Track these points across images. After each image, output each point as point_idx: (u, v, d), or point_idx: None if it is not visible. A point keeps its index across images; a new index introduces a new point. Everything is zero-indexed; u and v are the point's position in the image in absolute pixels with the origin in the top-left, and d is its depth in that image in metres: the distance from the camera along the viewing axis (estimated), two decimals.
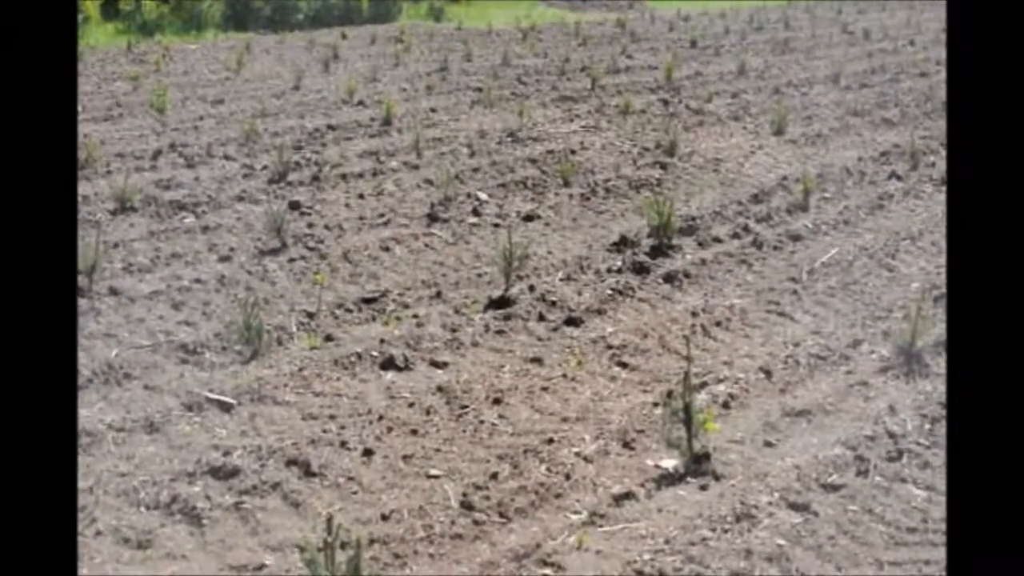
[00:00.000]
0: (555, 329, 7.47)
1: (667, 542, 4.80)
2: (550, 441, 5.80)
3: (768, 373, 6.64)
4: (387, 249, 9.30)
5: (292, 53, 23.70)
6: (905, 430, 5.75)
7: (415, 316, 7.68)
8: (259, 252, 9.14)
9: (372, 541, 4.77)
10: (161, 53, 22.86)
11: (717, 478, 5.39)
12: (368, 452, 5.66)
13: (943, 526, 4.79)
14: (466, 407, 6.25)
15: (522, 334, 7.41)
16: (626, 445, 5.79)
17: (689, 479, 5.39)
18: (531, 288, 8.20)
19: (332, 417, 6.10)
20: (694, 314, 7.75)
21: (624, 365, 6.89)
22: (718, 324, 7.57)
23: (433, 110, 16.09)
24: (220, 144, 13.46)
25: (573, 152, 13.19)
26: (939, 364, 6.64)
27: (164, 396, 6.33)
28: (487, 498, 5.20)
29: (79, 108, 16.08)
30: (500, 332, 7.41)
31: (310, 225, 9.96)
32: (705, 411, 5.64)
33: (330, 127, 14.67)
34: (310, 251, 9.17)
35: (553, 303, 7.90)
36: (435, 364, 6.88)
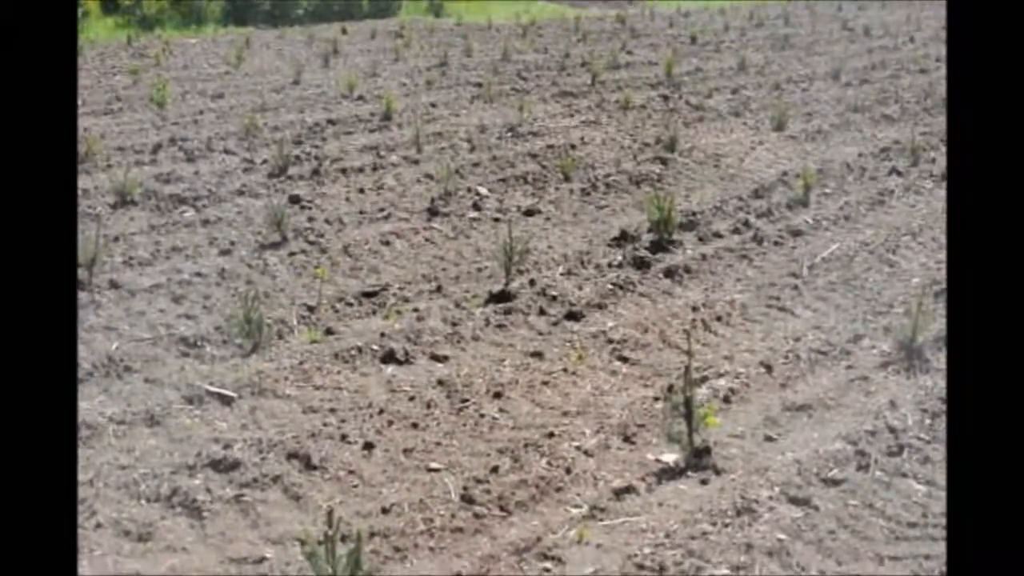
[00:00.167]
0: (556, 323, 7.47)
1: (667, 536, 4.79)
2: (550, 435, 5.80)
3: (769, 368, 6.64)
4: (387, 243, 9.30)
5: (292, 48, 23.69)
6: (906, 425, 5.75)
7: (415, 310, 7.68)
8: (259, 246, 9.14)
9: (372, 534, 4.77)
10: (161, 47, 22.84)
11: (718, 472, 5.38)
12: (369, 445, 5.66)
13: (943, 521, 4.79)
14: (467, 401, 6.24)
15: (523, 328, 7.41)
16: (627, 439, 5.79)
17: (690, 473, 5.39)
18: (532, 282, 8.19)
19: (333, 410, 6.09)
20: (695, 309, 7.75)
21: (625, 359, 6.89)
22: (719, 319, 7.57)
23: (433, 105, 16.09)
24: (220, 138, 13.45)
25: (573, 147, 13.19)
26: (939, 359, 6.64)
27: (164, 389, 6.32)
28: (487, 492, 5.20)
29: (80, 102, 16.07)
30: (501, 326, 7.41)
31: (310, 219, 9.95)
32: (706, 405, 5.64)
33: (330, 122, 14.67)
34: (310, 245, 9.16)
35: (554, 297, 7.90)
36: (435, 358, 6.87)
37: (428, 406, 6.17)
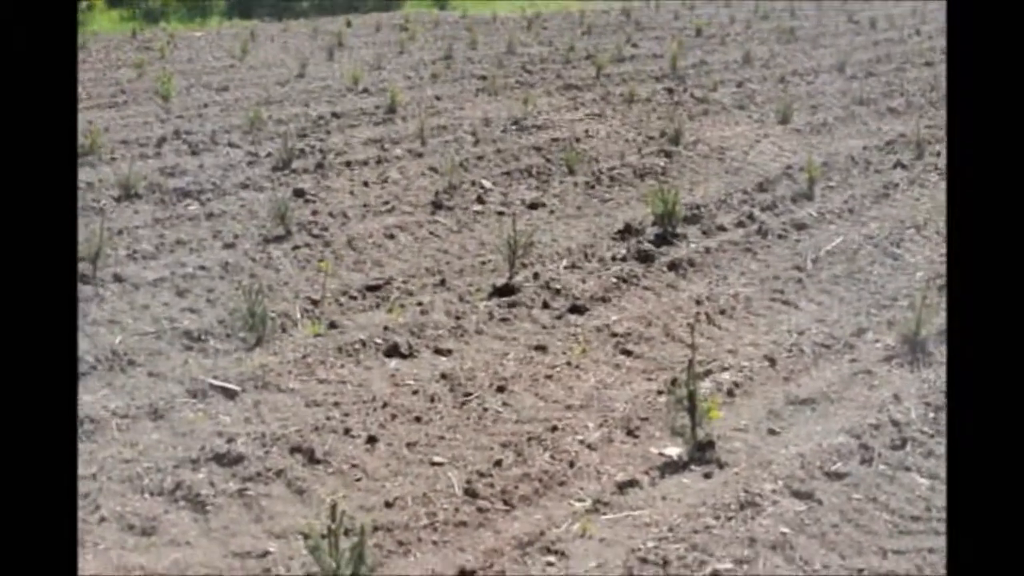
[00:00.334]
0: (559, 317, 7.47)
1: (671, 530, 4.79)
2: (554, 429, 5.80)
3: (772, 361, 6.63)
4: (391, 237, 9.30)
5: (296, 41, 23.69)
6: (909, 418, 5.74)
7: (419, 304, 7.68)
8: (263, 239, 9.14)
9: (376, 528, 4.77)
10: (166, 40, 22.86)
11: (721, 466, 5.38)
12: (372, 439, 5.66)
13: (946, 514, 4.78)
14: (470, 394, 6.24)
15: (526, 322, 7.40)
16: (630, 433, 5.78)
17: (693, 467, 5.38)
18: (535, 276, 8.19)
19: (336, 404, 6.09)
20: (698, 302, 7.74)
21: (628, 353, 6.88)
22: (722, 312, 7.56)
23: (438, 98, 16.08)
24: (224, 131, 13.47)
25: (578, 140, 13.18)
26: (943, 353, 6.62)
27: (168, 383, 6.33)
28: (491, 485, 5.19)
29: (84, 95, 16.09)
30: (504, 320, 7.40)
31: (314, 213, 9.95)
32: (709, 399, 5.64)
33: (334, 115, 14.67)
34: (314, 239, 9.16)
35: (557, 291, 7.90)
36: (439, 352, 6.87)
37: (431, 400, 6.17)
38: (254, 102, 15.38)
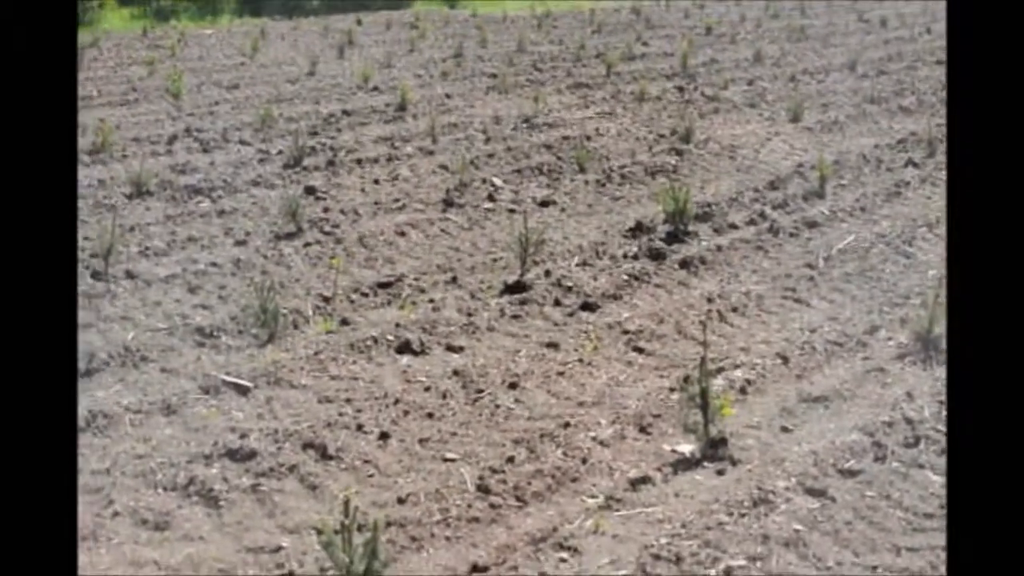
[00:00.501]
0: (571, 314, 7.46)
1: (684, 526, 4.78)
2: (566, 425, 5.79)
3: (785, 359, 6.62)
4: (403, 234, 9.30)
5: (307, 38, 23.71)
6: (922, 416, 5.73)
7: (431, 301, 7.68)
8: (275, 236, 9.15)
9: (389, 524, 4.77)
10: (176, 38, 22.89)
11: (734, 463, 5.37)
12: (384, 435, 5.66)
13: None
14: (482, 391, 6.24)
15: (538, 319, 7.40)
16: (642, 430, 5.78)
17: (706, 464, 5.38)
18: (547, 273, 8.19)
19: (348, 400, 6.10)
20: (710, 300, 7.73)
21: (640, 350, 6.88)
22: (734, 310, 7.55)
23: (448, 96, 16.09)
24: (235, 129, 13.49)
25: (588, 138, 13.17)
26: None
27: (181, 379, 6.34)
28: (503, 482, 5.19)
29: (95, 93, 16.13)
30: (516, 317, 7.40)
31: (326, 210, 9.96)
32: (722, 396, 5.63)
33: (345, 112, 14.68)
34: (326, 235, 9.17)
35: (569, 288, 7.89)
36: (451, 348, 6.87)
37: (444, 396, 6.17)
38: (265, 100, 15.40)
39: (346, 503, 3.99)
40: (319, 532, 4.28)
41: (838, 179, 11.10)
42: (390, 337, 6.94)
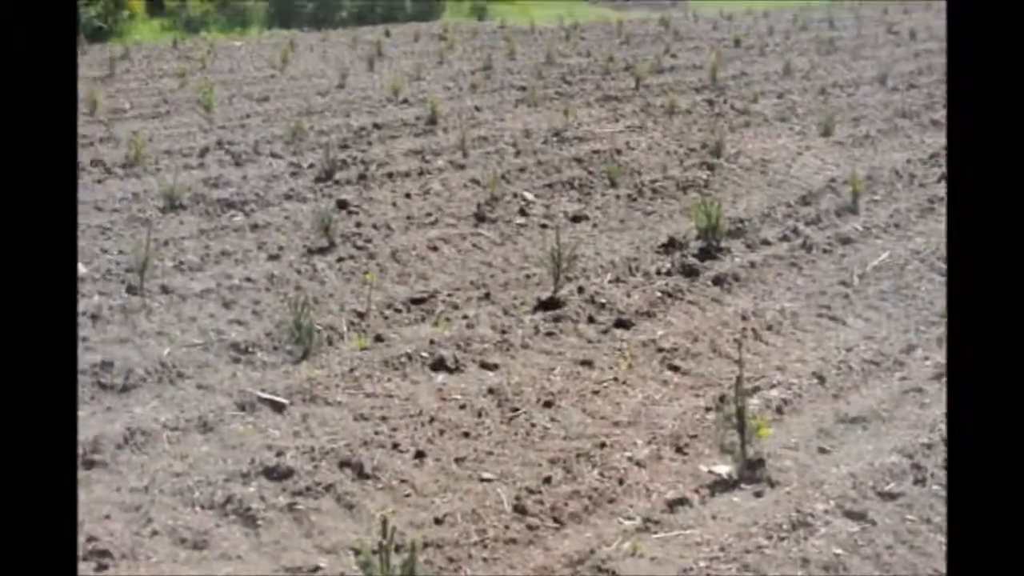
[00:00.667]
0: (605, 331, 7.45)
1: (722, 549, 4.76)
2: (602, 445, 5.78)
3: (821, 378, 6.58)
4: (435, 249, 9.31)
5: (336, 50, 23.81)
6: None
7: (464, 317, 7.67)
8: (308, 251, 9.18)
9: (426, 545, 4.76)
10: (207, 50, 23.03)
11: (772, 485, 5.34)
12: (420, 454, 5.66)
13: None
14: (517, 410, 6.23)
15: (572, 336, 7.39)
16: (679, 450, 5.75)
17: (743, 486, 5.35)
18: (580, 289, 8.17)
19: (384, 419, 6.10)
20: (744, 317, 7.70)
21: (675, 369, 6.85)
22: (769, 328, 7.52)
23: (478, 109, 16.11)
24: (267, 142, 13.54)
25: (619, 152, 13.15)
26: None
27: (217, 395, 6.35)
28: (540, 502, 5.18)
29: (128, 105, 16.24)
30: (550, 334, 7.39)
31: (358, 224, 9.98)
32: (758, 416, 5.59)
33: (375, 125, 14.72)
34: (358, 250, 9.18)
35: (602, 305, 7.88)
36: (485, 366, 6.86)
37: (479, 415, 6.16)
38: (295, 112, 15.47)
39: (384, 523, 3.98)
40: (357, 552, 4.28)
41: (871, 194, 11.05)
42: (424, 354, 6.95)
